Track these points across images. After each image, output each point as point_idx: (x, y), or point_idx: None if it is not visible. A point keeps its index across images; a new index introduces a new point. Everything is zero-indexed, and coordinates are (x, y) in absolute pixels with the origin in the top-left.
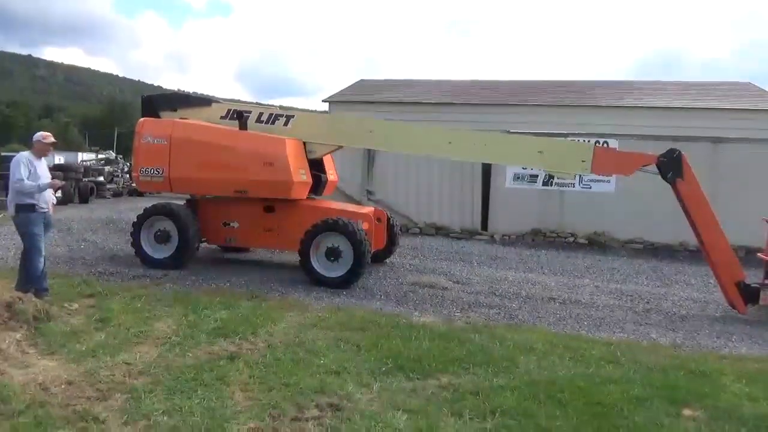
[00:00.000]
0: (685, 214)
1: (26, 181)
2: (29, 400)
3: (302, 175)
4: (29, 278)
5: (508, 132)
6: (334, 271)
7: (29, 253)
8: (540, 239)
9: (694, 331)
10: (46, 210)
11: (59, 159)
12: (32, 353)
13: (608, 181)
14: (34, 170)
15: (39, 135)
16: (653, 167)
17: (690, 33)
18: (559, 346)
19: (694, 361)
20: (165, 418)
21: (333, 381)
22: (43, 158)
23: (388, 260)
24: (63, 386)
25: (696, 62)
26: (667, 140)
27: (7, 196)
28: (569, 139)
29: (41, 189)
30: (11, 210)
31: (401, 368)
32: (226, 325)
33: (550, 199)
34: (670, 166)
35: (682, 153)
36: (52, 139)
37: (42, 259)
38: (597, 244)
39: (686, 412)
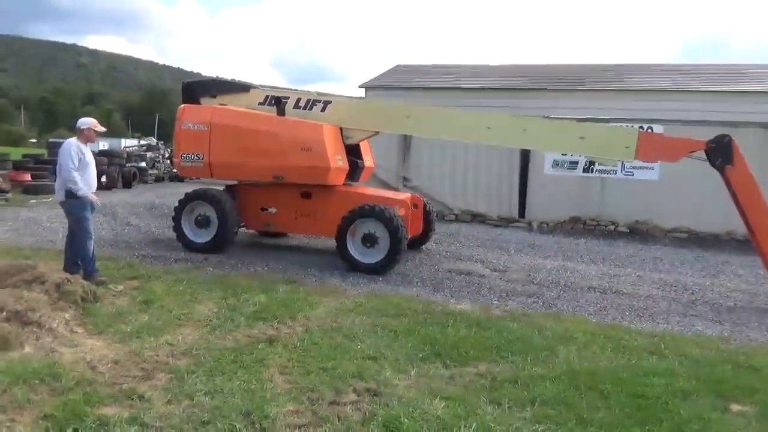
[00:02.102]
0: (735, 202)
1: (75, 174)
2: (78, 378)
3: (339, 161)
4: (81, 261)
5: (548, 117)
6: (371, 257)
7: (79, 236)
8: (579, 227)
9: (742, 323)
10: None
11: (104, 145)
12: (80, 333)
13: (652, 168)
14: (83, 158)
15: (87, 121)
16: (701, 153)
17: (739, 14)
18: (600, 336)
19: (743, 354)
20: (207, 398)
21: (370, 366)
22: (89, 144)
23: (424, 247)
24: (110, 365)
25: (745, 44)
26: (716, 125)
27: (56, 181)
28: (612, 124)
29: (82, 192)
30: (60, 196)
31: (438, 355)
32: (264, 308)
33: (591, 187)
34: (720, 153)
35: (733, 138)
36: (102, 128)
37: (92, 242)
38: (639, 232)
39: (734, 407)
